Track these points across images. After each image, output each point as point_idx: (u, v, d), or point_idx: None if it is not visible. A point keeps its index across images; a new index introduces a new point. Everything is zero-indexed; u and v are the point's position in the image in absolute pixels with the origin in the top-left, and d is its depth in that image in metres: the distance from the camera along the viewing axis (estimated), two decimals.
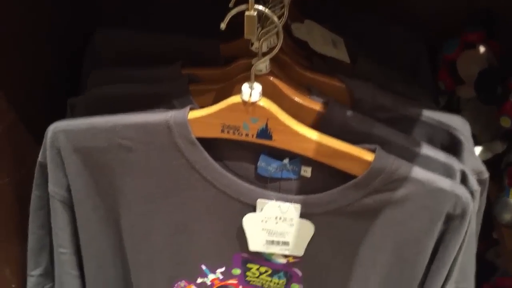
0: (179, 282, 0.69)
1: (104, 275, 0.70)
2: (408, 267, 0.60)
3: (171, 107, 0.61)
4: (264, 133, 0.55)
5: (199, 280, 0.69)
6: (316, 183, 0.59)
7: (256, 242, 0.62)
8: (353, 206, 0.57)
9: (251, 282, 0.69)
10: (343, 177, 0.57)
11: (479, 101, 0.77)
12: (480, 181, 0.59)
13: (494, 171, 0.62)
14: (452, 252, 0.57)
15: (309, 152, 0.55)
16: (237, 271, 0.68)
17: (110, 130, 0.58)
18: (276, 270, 0.66)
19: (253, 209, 0.60)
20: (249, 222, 0.60)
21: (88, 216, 0.65)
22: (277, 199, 0.59)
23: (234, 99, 0.54)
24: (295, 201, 0.58)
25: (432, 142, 0.58)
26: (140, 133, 0.57)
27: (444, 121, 0.59)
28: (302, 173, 0.59)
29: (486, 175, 0.60)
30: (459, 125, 0.59)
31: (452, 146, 0.58)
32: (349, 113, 0.57)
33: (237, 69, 0.61)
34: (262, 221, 0.60)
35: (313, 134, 0.55)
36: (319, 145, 0.55)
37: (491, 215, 0.78)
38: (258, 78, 0.54)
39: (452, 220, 0.56)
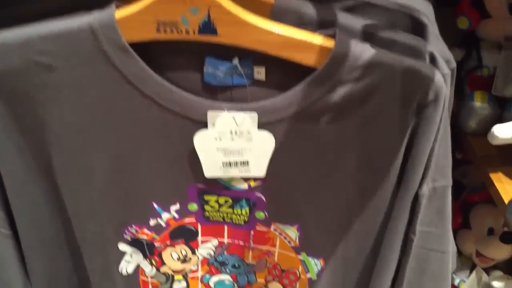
0: (129, 228, 0.61)
1: (40, 232, 0.60)
2: (380, 173, 0.55)
3: None
4: (207, 26, 0.47)
5: (152, 222, 0.60)
6: (272, 86, 0.52)
7: (211, 166, 0.55)
8: (316, 105, 0.50)
9: (210, 218, 0.61)
10: (303, 73, 0.50)
11: None
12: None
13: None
14: (426, 145, 0.51)
15: (261, 45, 0.48)
16: (193, 207, 0.60)
17: (24, 45, 0.48)
18: (237, 198, 0.59)
19: (204, 126, 0.52)
20: (201, 141, 0.53)
21: (12, 162, 0.55)
22: (230, 109, 0.51)
23: None
24: (251, 109, 0.51)
25: (394, 28, 0.52)
26: (59, 44, 0.48)
27: (405, 4, 0.52)
28: (256, 75, 0.51)
29: (453, 64, 0.54)
30: (422, 7, 0.53)
31: (416, 31, 0.52)
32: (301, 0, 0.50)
33: None
34: (216, 138, 0.53)
35: (263, 23, 0.48)
36: (271, 35, 0.48)
37: (455, 130, 0.73)
38: None
39: (424, 109, 0.50)
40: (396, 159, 0.53)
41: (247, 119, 0.51)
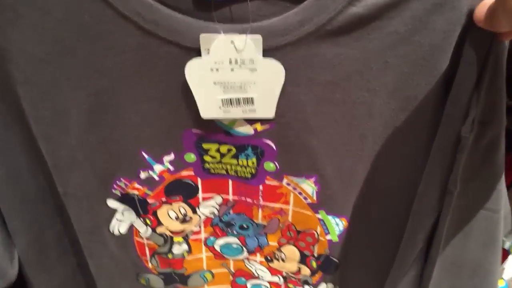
0: (117, 182, 0.52)
1: (18, 186, 0.52)
2: (416, 108, 0.44)
3: None
4: None
5: (143, 175, 0.51)
6: (280, 0, 0.41)
7: (208, 105, 0.45)
8: (336, 21, 0.40)
9: (212, 171, 0.52)
10: None
11: None
12: None
13: None
14: (474, 73, 0.40)
15: None
16: (191, 157, 0.50)
17: None
18: (241, 146, 0.49)
19: (196, 53, 0.42)
20: (194, 73, 0.43)
21: None
22: (228, 31, 0.41)
23: None
24: (254, 31, 0.40)
25: None
26: None
27: None
28: None
29: None
30: None
31: None
32: None
33: None
34: (212, 69, 0.43)
35: None
36: None
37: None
38: None
39: (474, 29, 0.39)
40: (435, 90, 0.43)
41: (249, 44, 0.41)
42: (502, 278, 0.66)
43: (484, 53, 0.40)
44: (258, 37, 0.41)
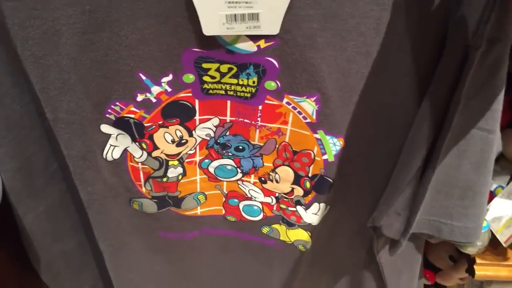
0: (112, 106, 0.50)
1: (1, 110, 0.49)
2: (423, 27, 0.43)
3: None
4: None
5: (140, 97, 0.50)
6: None
7: (211, 22, 0.43)
8: None
9: (210, 92, 0.51)
10: None
11: None
12: None
13: None
14: None
15: None
16: (189, 78, 0.49)
17: None
18: (243, 65, 0.48)
19: None
20: None
21: None
22: None
23: None
24: None
25: None
26: None
27: None
28: None
29: None
30: None
31: None
32: None
33: None
34: None
35: None
36: None
37: None
38: None
39: None
40: (445, 6, 0.42)
41: None
42: (485, 219, 0.69)
43: None
44: None
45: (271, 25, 0.44)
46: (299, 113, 0.52)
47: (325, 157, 0.55)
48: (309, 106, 0.51)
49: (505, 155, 0.76)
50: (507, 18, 0.41)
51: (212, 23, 0.43)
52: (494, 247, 0.74)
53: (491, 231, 0.71)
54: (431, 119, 0.48)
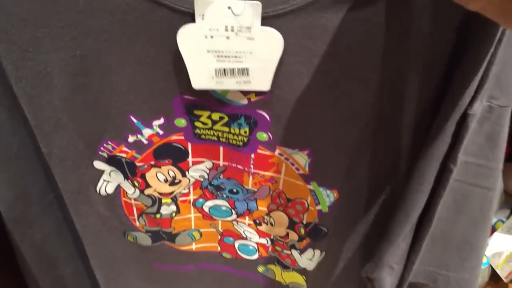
0: (104, 144, 0.50)
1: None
2: (419, 80, 0.42)
3: None
4: None
5: (131, 139, 0.49)
6: None
7: (200, 75, 0.42)
8: None
9: (202, 137, 0.50)
10: None
11: None
12: None
13: None
14: (485, 47, 0.38)
15: None
16: (181, 122, 0.48)
17: None
18: (234, 115, 0.47)
19: (190, 18, 0.39)
20: (187, 40, 0.40)
21: None
22: None
23: None
24: None
25: None
26: None
27: None
28: None
29: None
30: None
31: None
32: None
33: None
34: (206, 36, 0.40)
35: None
36: None
37: None
38: None
39: None
40: (440, 64, 0.40)
41: (247, 10, 0.38)
42: (485, 255, 0.67)
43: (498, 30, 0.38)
44: (257, 4, 0.38)
45: (261, 81, 0.43)
46: (292, 164, 0.50)
47: (318, 207, 0.54)
48: (301, 158, 0.49)
49: (506, 189, 0.73)
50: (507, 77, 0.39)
51: (201, 76, 0.43)
52: (495, 281, 0.71)
53: (491, 266, 0.68)
54: (426, 177, 0.46)
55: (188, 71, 0.42)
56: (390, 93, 0.43)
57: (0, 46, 0.42)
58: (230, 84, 0.43)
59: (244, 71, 0.42)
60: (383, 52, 0.40)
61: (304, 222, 0.57)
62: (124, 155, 0.51)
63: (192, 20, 0.39)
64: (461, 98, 0.40)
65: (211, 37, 0.40)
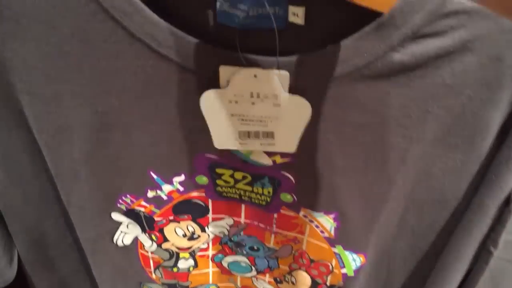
0: (122, 197, 0.49)
1: (19, 188, 0.49)
2: (457, 159, 0.39)
3: None
4: None
5: (150, 194, 0.48)
6: (314, 34, 0.36)
7: (224, 136, 0.41)
8: (375, 66, 0.35)
9: (224, 194, 0.48)
10: (359, 18, 0.33)
11: None
12: None
13: None
14: None
15: None
16: (203, 180, 0.47)
17: None
18: (258, 175, 0.45)
19: (215, 81, 0.37)
20: (211, 103, 0.38)
21: None
22: (252, 63, 0.36)
23: None
24: (281, 66, 0.36)
25: None
26: None
27: None
28: (291, 18, 0.36)
29: None
30: None
31: None
32: None
33: None
34: (230, 101, 0.38)
35: None
36: None
37: None
38: None
39: None
40: (481, 142, 0.38)
41: (274, 79, 0.36)
42: None
43: None
44: (285, 73, 0.36)
45: (286, 144, 0.41)
46: (317, 226, 0.48)
47: (344, 270, 0.51)
48: (327, 222, 0.47)
49: None
50: None
51: (224, 137, 0.41)
52: None
53: None
54: (463, 258, 0.43)
55: (211, 132, 0.41)
56: (427, 166, 0.41)
57: (23, 98, 0.42)
58: (254, 145, 0.41)
59: (269, 134, 0.40)
60: (418, 125, 0.37)
61: (328, 284, 0.54)
62: (142, 209, 0.49)
63: (216, 83, 0.38)
64: (505, 181, 0.37)
65: (236, 102, 0.38)
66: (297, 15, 0.35)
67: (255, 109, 0.39)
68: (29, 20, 0.37)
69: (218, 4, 0.35)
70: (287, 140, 0.40)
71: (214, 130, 0.40)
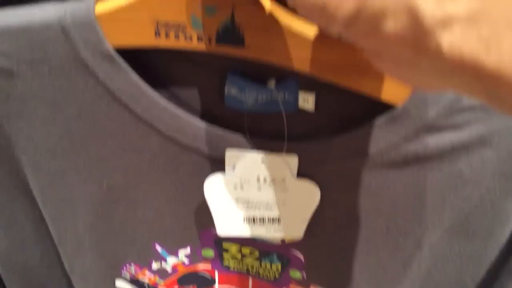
0: (127, 265, 0.47)
1: (22, 254, 0.49)
2: (477, 246, 0.38)
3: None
4: (230, 33, 0.30)
5: (155, 266, 0.47)
6: (324, 120, 0.35)
7: (227, 222, 0.40)
8: (387, 156, 0.33)
9: (231, 268, 0.47)
10: (369, 108, 0.33)
11: None
12: None
13: None
14: None
15: (311, 66, 0.31)
16: (209, 253, 0.45)
17: None
18: (266, 252, 0.44)
19: (221, 164, 0.37)
20: (215, 189, 0.37)
21: None
22: (259, 147, 0.35)
23: None
24: (290, 150, 0.35)
25: None
26: (20, 44, 0.33)
27: None
28: (301, 103, 0.35)
29: None
30: None
31: None
32: None
33: None
34: (235, 187, 0.37)
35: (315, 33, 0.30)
36: (327, 53, 0.30)
37: None
38: None
39: None
40: (501, 233, 0.36)
41: (282, 165, 0.35)
42: None
43: None
44: (294, 159, 0.35)
45: (294, 230, 0.40)
46: None
47: None
48: None
49: None
50: None
51: (228, 223, 0.40)
52: None
53: None
54: None
55: (214, 218, 0.40)
56: (445, 251, 0.39)
57: (28, 171, 0.42)
58: (259, 231, 0.40)
59: (275, 220, 0.39)
60: (434, 213, 0.36)
61: None
62: (146, 280, 0.48)
63: (222, 165, 0.37)
64: None
65: (241, 187, 0.37)
66: (307, 101, 0.34)
67: (261, 194, 0.37)
68: (36, 100, 0.36)
69: (226, 89, 0.34)
70: (294, 226, 0.39)
71: (218, 216, 0.39)
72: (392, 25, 0.19)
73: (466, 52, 0.18)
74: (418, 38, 0.18)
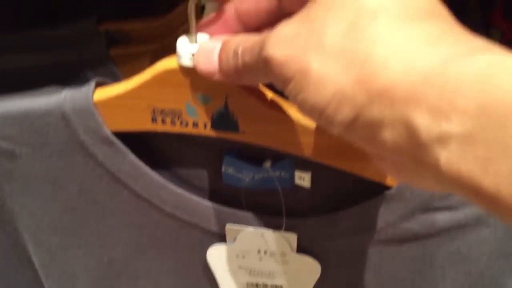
0: None
1: None
2: None
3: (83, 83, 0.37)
4: (224, 120, 0.31)
5: None
6: (320, 197, 0.35)
7: (231, 287, 0.40)
8: (385, 234, 0.34)
9: None
10: (365, 185, 0.33)
11: None
12: None
13: None
14: None
15: (304, 150, 0.32)
16: None
17: None
18: None
19: (221, 237, 0.37)
20: (218, 257, 0.38)
21: None
22: (258, 223, 0.35)
23: (166, 64, 0.30)
24: (289, 227, 0.35)
25: None
26: (22, 128, 0.34)
27: None
28: (297, 181, 0.35)
29: None
30: None
31: None
32: None
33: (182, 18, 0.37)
34: (237, 256, 0.37)
35: (308, 120, 0.31)
36: (320, 138, 0.31)
37: None
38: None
39: None
40: None
41: (282, 240, 0.36)
42: None
43: None
44: (293, 235, 0.35)
45: None
46: None
47: None
48: None
49: None
50: None
51: None
52: None
53: None
54: None
55: (218, 283, 0.40)
56: None
57: (30, 244, 0.42)
58: None
59: (277, 287, 0.39)
60: (434, 286, 0.36)
61: None
62: None
63: (223, 238, 0.37)
64: None
65: (243, 257, 0.38)
66: (303, 179, 0.35)
67: (262, 264, 0.38)
68: (37, 180, 0.37)
69: (223, 168, 0.35)
70: None
71: (222, 281, 0.39)
72: (389, 135, 0.19)
73: (463, 171, 0.17)
74: (416, 151, 0.18)
